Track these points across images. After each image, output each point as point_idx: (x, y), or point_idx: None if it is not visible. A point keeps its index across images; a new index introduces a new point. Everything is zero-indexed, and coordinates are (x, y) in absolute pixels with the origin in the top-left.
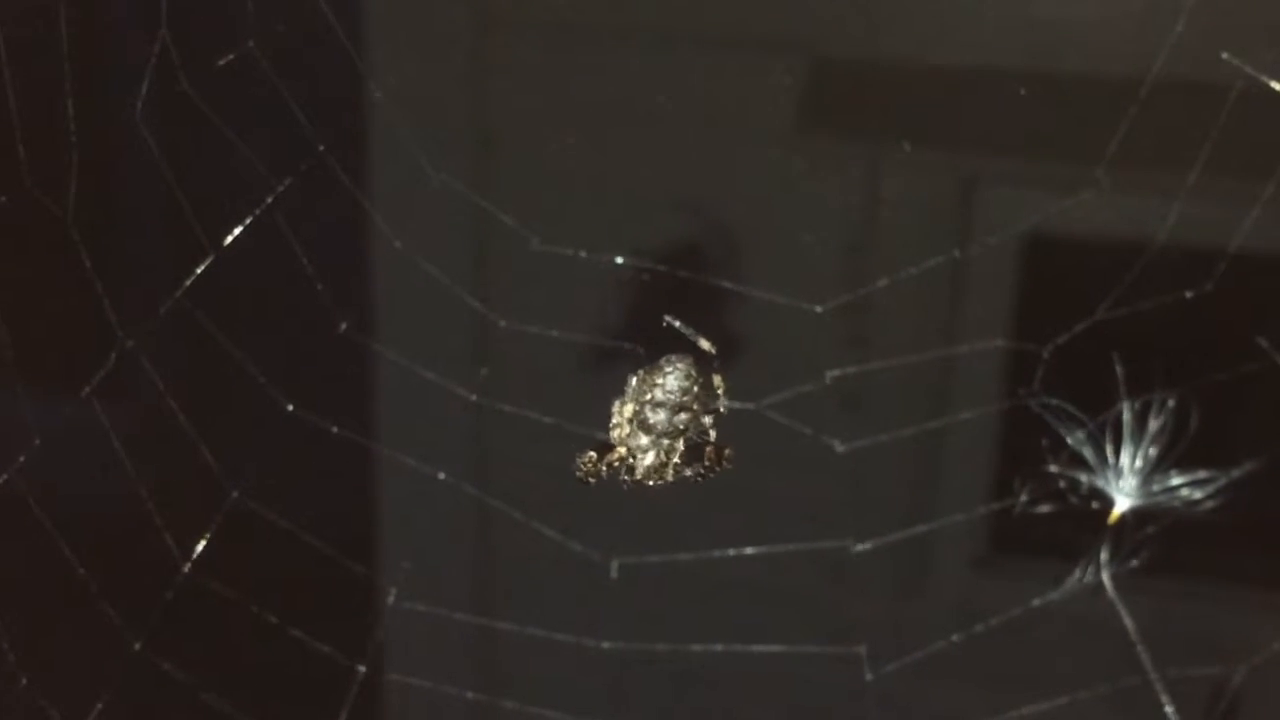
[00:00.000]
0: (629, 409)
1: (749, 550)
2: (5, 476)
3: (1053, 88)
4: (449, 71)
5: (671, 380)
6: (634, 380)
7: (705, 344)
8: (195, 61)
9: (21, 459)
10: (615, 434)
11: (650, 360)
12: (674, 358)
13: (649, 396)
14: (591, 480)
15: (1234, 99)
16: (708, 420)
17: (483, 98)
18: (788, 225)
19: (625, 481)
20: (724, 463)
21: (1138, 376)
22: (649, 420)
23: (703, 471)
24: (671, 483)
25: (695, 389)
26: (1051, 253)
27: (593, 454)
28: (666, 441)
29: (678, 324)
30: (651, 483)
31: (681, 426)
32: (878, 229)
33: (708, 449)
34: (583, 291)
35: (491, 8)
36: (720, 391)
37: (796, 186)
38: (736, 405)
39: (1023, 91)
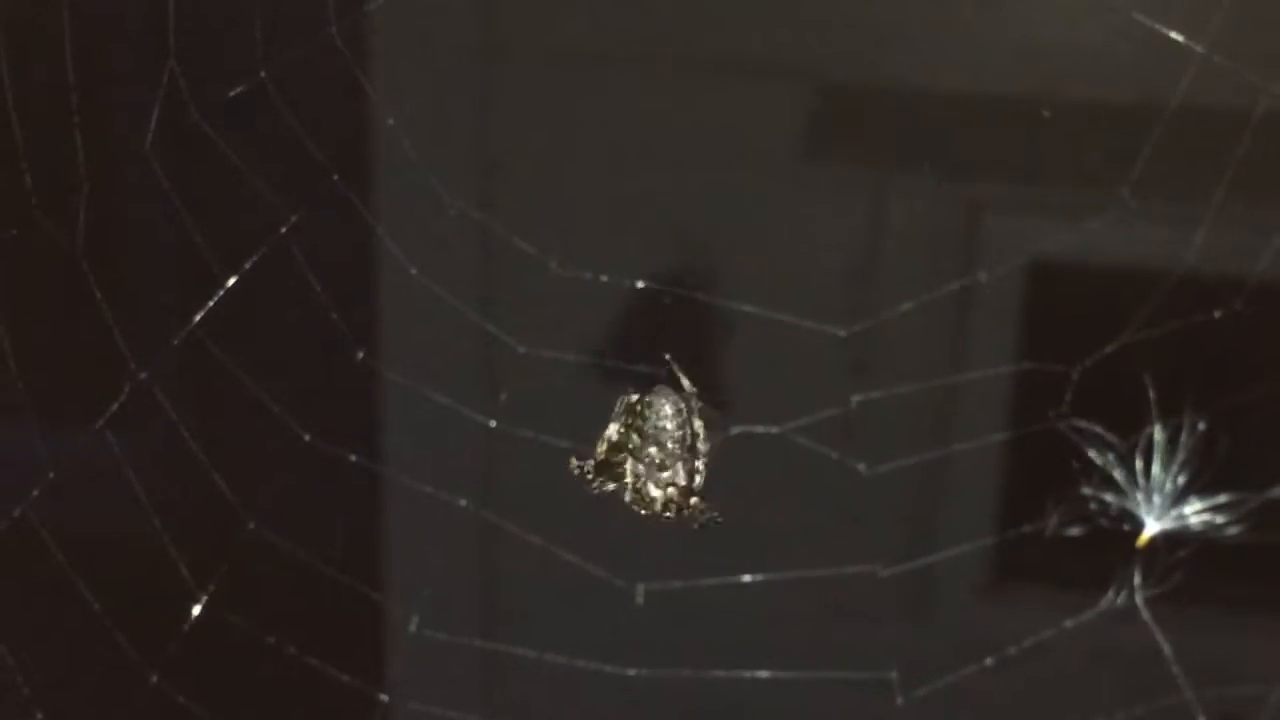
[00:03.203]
0: (614, 430)
1: (774, 576)
2: (19, 511)
3: (1058, 113)
4: (456, 100)
5: (664, 409)
6: (622, 404)
7: (686, 383)
8: (205, 92)
9: (35, 493)
10: (600, 451)
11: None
12: (666, 389)
13: (638, 424)
14: (588, 478)
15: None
16: (693, 466)
17: (489, 126)
18: (793, 252)
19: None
20: (701, 515)
21: (1166, 399)
22: (636, 447)
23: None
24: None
25: (680, 428)
26: (1062, 278)
27: (590, 463)
28: (645, 473)
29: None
30: (636, 508)
31: (658, 461)
32: (884, 256)
33: (692, 500)
34: (594, 316)
35: (498, 36)
36: (701, 438)
37: (802, 213)
38: (759, 429)
39: (1046, 114)
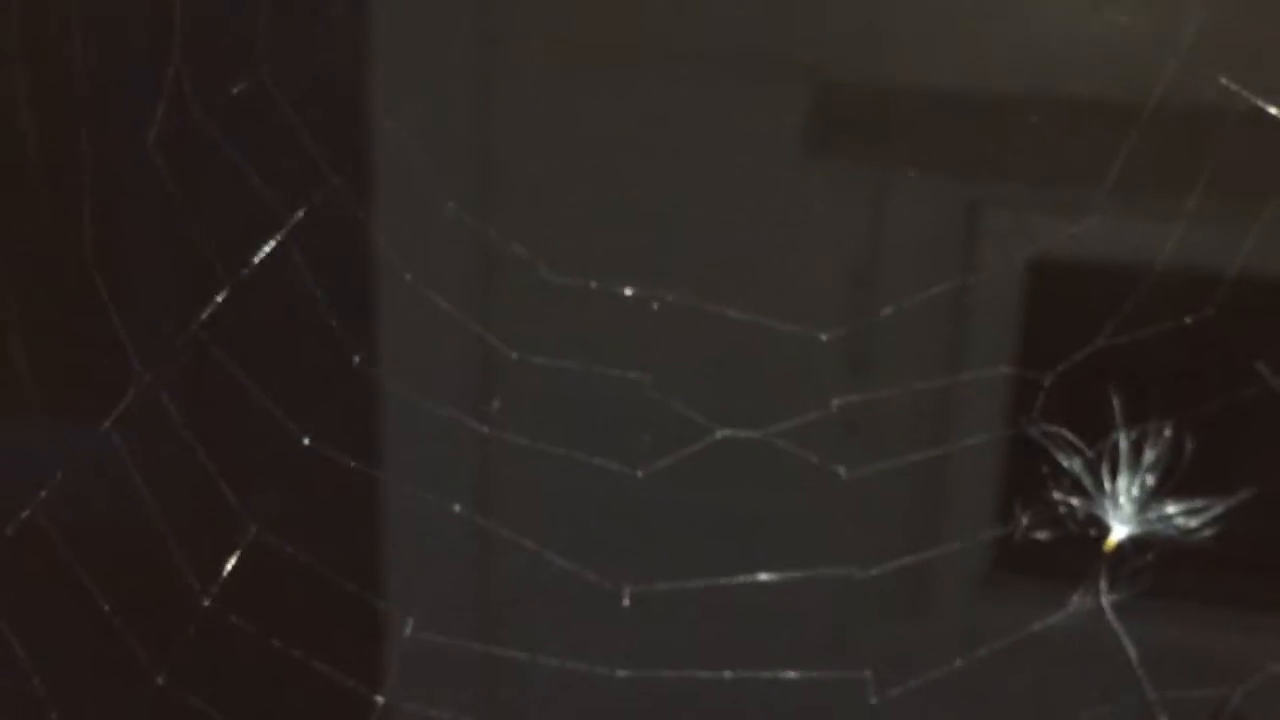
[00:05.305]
0: None
1: (758, 577)
2: (27, 513)
3: (1058, 111)
4: (454, 95)
5: None
6: None
7: None
8: (207, 91)
9: (43, 493)
10: None
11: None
12: None
13: None
14: None
15: (1233, 122)
16: None
17: (487, 123)
18: (793, 250)
19: None
20: None
21: (1138, 403)
22: None
23: None
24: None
25: None
26: (1057, 276)
27: None
28: None
29: None
30: None
31: None
32: (883, 254)
33: None
34: (590, 320)
35: (495, 34)
36: None
37: (801, 210)
38: (743, 434)
39: (1034, 119)
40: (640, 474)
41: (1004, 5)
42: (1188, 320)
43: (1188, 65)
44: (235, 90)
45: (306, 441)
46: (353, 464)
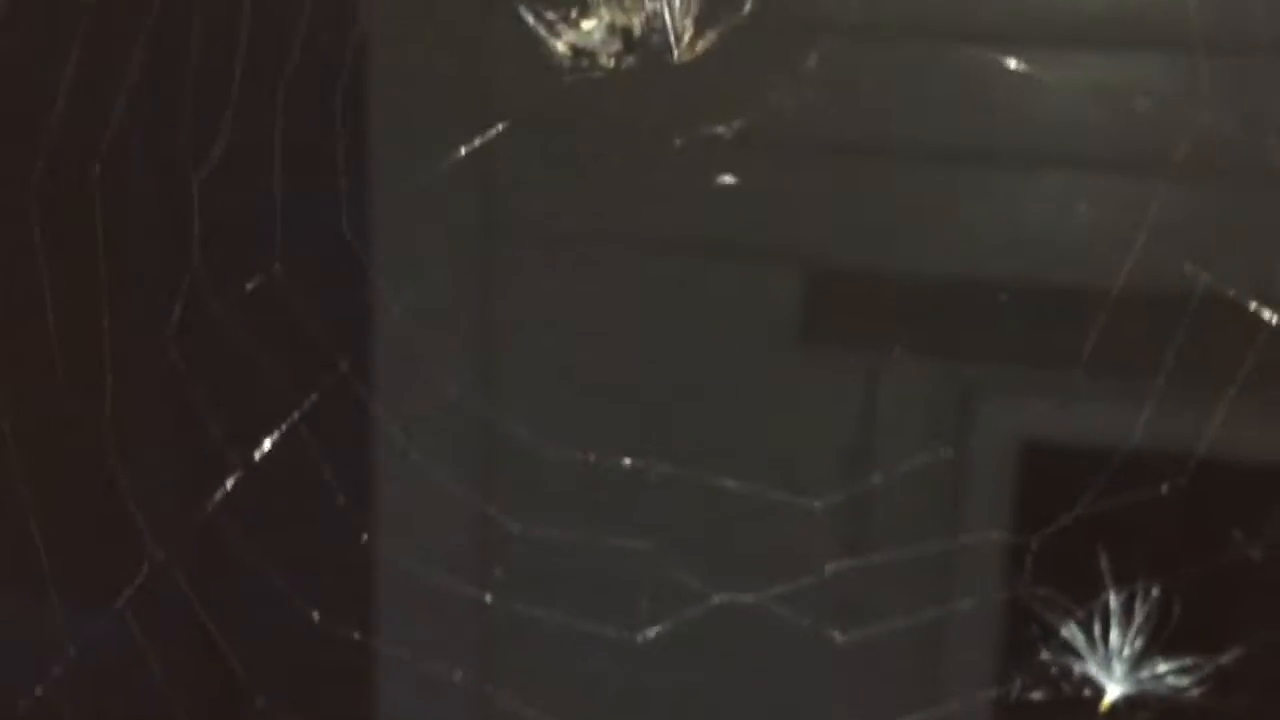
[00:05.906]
0: None
1: None
2: (40, 691)
3: (1041, 297)
4: (456, 281)
5: None
6: None
7: None
8: (223, 286)
9: (56, 671)
10: None
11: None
12: None
13: None
14: None
15: (1197, 306)
16: None
17: (488, 306)
18: (788, 428)
19: None
20: None
21: (1126, 566)
22: None
23: None
24: None
25: None
26: (1044, 449)
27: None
28: None
29: None
30: None
31: None
32: (875, 433)
33: None
34: (590, 491)
35: (497, 220)
36: None
37: (796, 391)
38: (740, 599)
39: (1004, 298)
40: (640, 639)
41: (989, 198)
42: (1164, 489)
43: (1154, 252)
44: (250, 286)
45: (316, 617)
46: (357, 635)
